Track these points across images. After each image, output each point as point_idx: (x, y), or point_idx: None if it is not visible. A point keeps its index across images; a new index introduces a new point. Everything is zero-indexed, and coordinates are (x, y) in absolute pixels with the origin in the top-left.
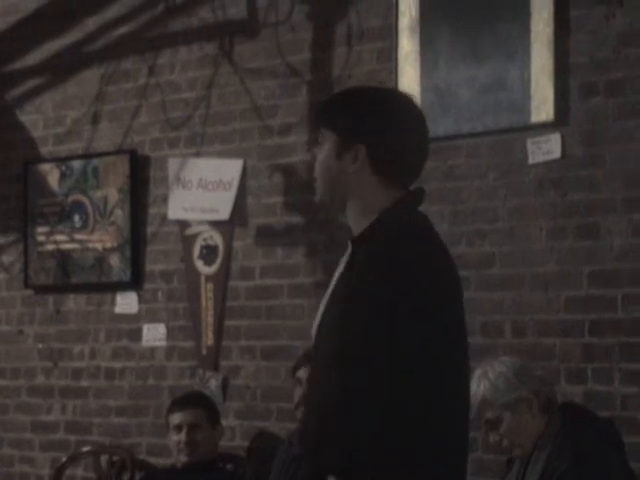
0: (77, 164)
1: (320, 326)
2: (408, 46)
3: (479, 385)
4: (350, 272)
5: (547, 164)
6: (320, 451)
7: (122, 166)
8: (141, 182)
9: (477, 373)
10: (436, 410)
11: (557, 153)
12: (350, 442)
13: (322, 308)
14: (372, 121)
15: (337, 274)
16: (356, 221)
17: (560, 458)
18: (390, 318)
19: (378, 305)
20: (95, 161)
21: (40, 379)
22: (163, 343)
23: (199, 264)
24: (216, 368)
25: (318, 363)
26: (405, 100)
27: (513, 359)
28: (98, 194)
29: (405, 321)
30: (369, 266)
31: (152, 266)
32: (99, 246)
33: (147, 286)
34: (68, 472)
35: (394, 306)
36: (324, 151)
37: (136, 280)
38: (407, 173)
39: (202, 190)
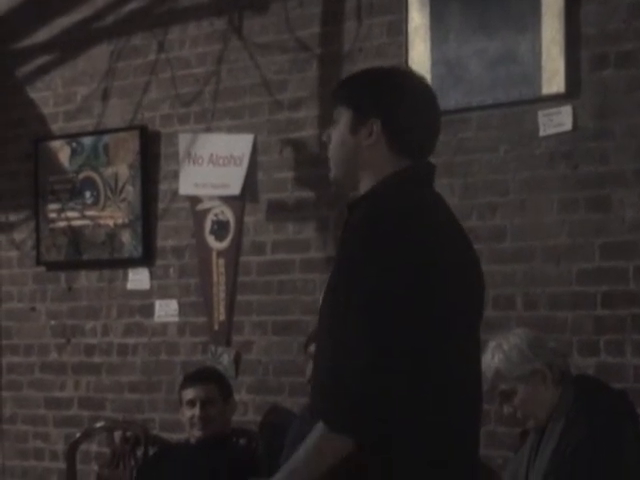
0: (87, 141)
1: (323, 296)
2: (418, 19)
3: (493, 357)
4: (342, 236)
5: (558, 136)
6: (325, 403)
7: (132, 142)
8: (152, 158)
9: (491, 345)
10: (443, 377)
11: (568, 125)
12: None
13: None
14: (386, 96)
15: None
16: None
17: (574, 430)
18: (374, 279)
19: (363, 267)
20: (105, 137)
21: (53, 356)
22: (175, 319)
23: (210, 239)
24: (228, 343)
25: (320, 329)
26: (417, 79)
27: (527, 331)
28: (109, 170)
29: (389, 285)
30: (353, 231)
31: (163, 242)
32: (110, 222)
33: (159, 262)
34: (82, 447)
35: (379, 267)
36: (339, 128)
37: (148, 256)
38: (419, 148)
39: (213, 165)
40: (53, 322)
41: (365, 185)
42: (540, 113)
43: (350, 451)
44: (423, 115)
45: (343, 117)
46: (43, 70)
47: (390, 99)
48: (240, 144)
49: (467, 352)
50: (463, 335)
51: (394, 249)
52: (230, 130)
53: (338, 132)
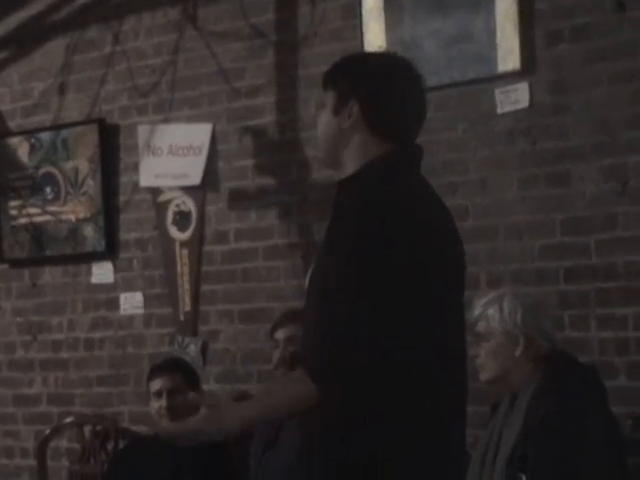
0: (46, 136)
1: (311, 276)
2: (372, 1)
3: (490, 302)
4: (333, 217)
5: (516, 113)
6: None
7: (91, 136)
8: (111, 151)
9: (498, 293)
10: (427, 348)
11: (525, 102)
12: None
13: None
14: (365, 80)
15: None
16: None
17: (543, 402)
18: (366, 254)
19: (355, 244)
20: (64, 132)
21: (20, 353)
22: (141, 311)
23: (173, 230)
24: (195, 333)
25: (308, 304)
26: (403, 64)
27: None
28: (69, 165)
29: (381, 263)
30: (347, 212)
31: (126, 235)
32: (72, 217)
33: (122, 255)
34: (52, 444)
35: (370, 243)
36: (325, 109)
37: (111, 250)
38: (403, 132)
39: (172, 156)
40: (19, 319)
41: (349, 167)
42: (497, 91)
43: (314, 402)
44: (406, 100)
45: (329, 99)
46: None
47: (370, 83)
48: (199, 133)
49: (453, 329)
50: (451, 312)
51: (388, 229)
52: (189, 120)
53: (324, 113)
